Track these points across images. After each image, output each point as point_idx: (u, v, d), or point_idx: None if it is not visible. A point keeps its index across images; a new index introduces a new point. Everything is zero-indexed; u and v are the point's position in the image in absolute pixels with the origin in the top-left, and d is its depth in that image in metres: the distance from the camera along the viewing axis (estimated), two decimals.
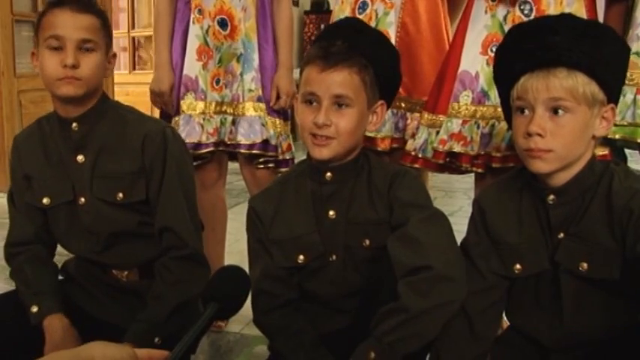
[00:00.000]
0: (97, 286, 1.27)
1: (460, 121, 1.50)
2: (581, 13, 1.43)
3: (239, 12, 1.67)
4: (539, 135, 0.97)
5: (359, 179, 1.15)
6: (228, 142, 1.72)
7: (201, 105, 1.70)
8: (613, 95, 1.02)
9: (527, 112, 1.00)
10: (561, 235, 1.03)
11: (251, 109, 1.69)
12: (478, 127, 1.48)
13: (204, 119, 1.69)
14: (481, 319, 1.08)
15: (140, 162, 1.19)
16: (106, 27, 1.20)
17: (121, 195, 1.19)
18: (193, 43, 1.67)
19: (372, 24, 1.62)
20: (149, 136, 1.19)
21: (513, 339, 1.14)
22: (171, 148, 1.21)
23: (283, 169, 1.75)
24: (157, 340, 1.13)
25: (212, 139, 1.69)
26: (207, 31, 1.68)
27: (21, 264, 1.25)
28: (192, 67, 1.68)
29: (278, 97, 1.70)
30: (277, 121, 1.72)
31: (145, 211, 1.22)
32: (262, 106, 1.69)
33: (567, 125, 0.97)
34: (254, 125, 1.68)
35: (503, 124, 1.39)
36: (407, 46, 1.63)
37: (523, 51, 1.00)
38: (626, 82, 1.31)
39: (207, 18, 1.67)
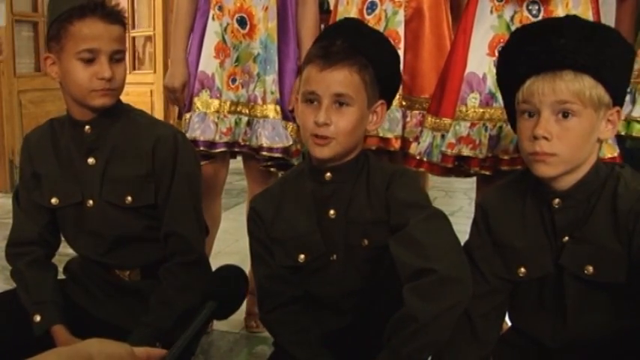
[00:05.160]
0: (99, 285, 1.28)
1: (468, 124, 1.50)
2: (588, 15, 1.43)
3: (259, 11, 1.67)
4: (546, 138, 0.98)
5: (359, 179, 1.16)
6: (242, 143, 1.71)
7: (216, 103, 1.69)
8: (618, 98, 1.02)
9: (533, 115, 1.00)
10: (566, 238, 1.03)
11: (273, 112, 1.68)
12: (486, 130, 1.49)
13: (218, 118, 1.69)
14: (484, 323, 1.09)
15: (150, 165, 1.21)
16: (125, 32, 1.23)
17: (129, 198, 1.21)
18: (212, 40, 1.66)
19: (382, 24, 1.64)
20: (161, 140, 1.21)
21: (515, 339, 1.15)
22: (181, 153, 1.23)
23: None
24: (157, 344, 1.14)
25: (224, 139, 1.69)
26: (225, 29, 1.67)
27: (21, 268, 1.26)
28: (209, 64, 1.67)
29: None
30: (292, 126, 1.71)
31: (151, 215, 1.24)
32: (279, 109, 1.69)
33: (574, 128, 0.98)
34: (277, 128, 1.68)
35: None
36: (410, 43, 1.65)
37: (528, 53, 1.00)
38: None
39: (227, 16, 1.67)
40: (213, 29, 1.66)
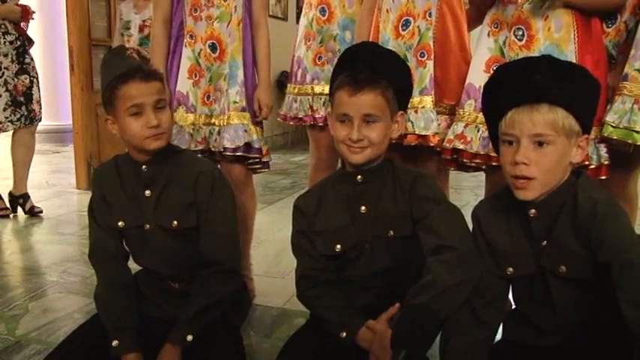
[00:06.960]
0: (156, 293, 1.46)
1: (464, 124, 1.65)
2: (569, 38, 1.53)
3: (226, 37, 1.85)
4: (525, 163, 1.07)
5: (385, 180, 1.31)
6: (213, 150, 1.87)
7: (191, 117, 1.85)
8: (587, 127, 1.12)
9: (513, 143, 1.09)
10: (544, 242, 1.12)
11: (235, 118, 1.84)
12: (478, 131, 1.63)
13: (193, 129, 1.85)
14: (487, 309, 1.19)
15: (193, 195, 1.37)
16: (164, 84, 1.42)
17: (175, 223, 1.38)
18: (185, 64, 1.85)
19: (416, 38, 1.74)
20: (201, 174, 1.39)
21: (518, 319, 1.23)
22: (218, 185, 1.40)
23: (259, 170, 1.95)
24: (189, 337, 1.29)
25: (199, 147, 1.85)
26: (199, 54, 1.85)
27: (102, 287, 1.41)
28: (183, 84, 1.85)
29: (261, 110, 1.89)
30: (258, 129, 1.90)
31: (195, 238, 1.40)
32: (247, 115, 1.86)
33: (549, 155, 1.07)
34: (238, 131, 1.84)
35: None
36: (439, 56, 1.74)
37: (509, 89, 1.09)
38: (627, 93, 1.47)
39: (199, 42, 1.84)
40: (186, 55, 1.85)
